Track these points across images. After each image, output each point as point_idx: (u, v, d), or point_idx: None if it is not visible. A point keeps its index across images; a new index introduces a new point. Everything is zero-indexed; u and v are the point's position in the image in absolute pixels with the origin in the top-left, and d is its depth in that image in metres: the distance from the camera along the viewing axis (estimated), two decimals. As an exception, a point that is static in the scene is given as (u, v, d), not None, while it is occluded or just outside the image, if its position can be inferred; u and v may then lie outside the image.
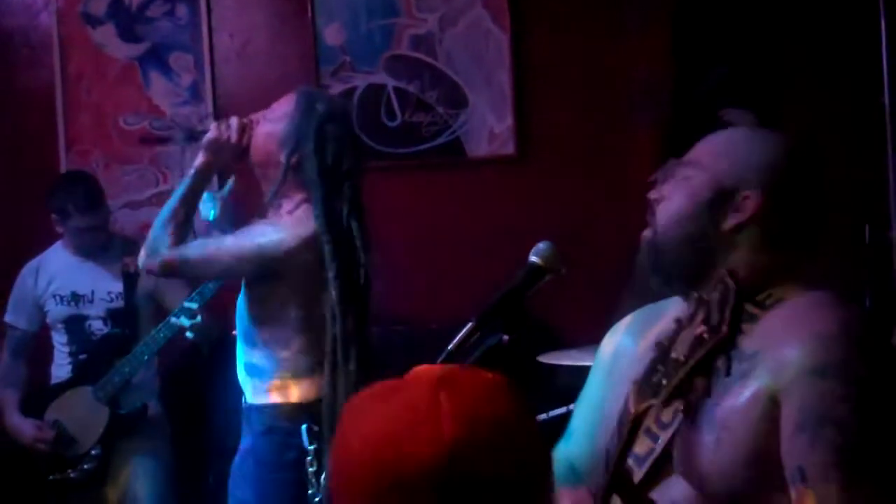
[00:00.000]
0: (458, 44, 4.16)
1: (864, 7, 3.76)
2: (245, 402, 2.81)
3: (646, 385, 1.29)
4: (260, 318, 2.74)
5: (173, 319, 3.40)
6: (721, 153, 1.50)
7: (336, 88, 4.17)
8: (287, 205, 2.71)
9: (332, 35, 4.22)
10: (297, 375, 2.73)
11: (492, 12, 4.12)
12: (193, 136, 2.86)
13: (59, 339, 3.76)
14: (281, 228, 2.67)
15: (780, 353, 1.37)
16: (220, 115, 4.27)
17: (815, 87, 3.82)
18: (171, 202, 2.77)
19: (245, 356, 2.78)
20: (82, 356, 3.71)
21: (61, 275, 3.76)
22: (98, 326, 3.71)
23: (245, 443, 2.78)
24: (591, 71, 4.06)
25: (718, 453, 1.37)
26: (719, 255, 1.46)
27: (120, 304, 3.69)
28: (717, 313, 1.24)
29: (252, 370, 2.76)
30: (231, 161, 2.83)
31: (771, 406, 1.34)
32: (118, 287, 3.69)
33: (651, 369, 1.29)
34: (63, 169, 4.36)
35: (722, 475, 1.36)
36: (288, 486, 2.63)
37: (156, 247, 2.71)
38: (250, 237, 2.68)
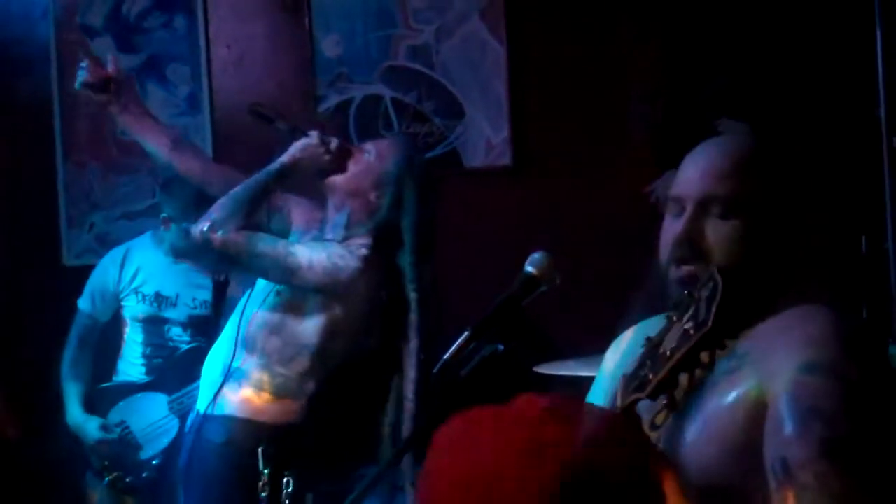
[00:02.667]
0: (455, 55, 4.17)
1: (859, 19, 3.77)
2: (199, 411, 2.77)
3: (633, 379, 1.29)
4: (278, 327, 2.72)
5: None
6: (754, 174, 1.50)
7: (333, 100, 4.18)
8: (356, 241, 2.73)
9: (329, 46, 4.23)
10: (279, 395, 2.72)
11: (489, 24, 4.13)
12: (296, 131, 2.84)
13: (134, 337, 3.69)
14: (357, 258, 2.68)
15: (770, 354, 1.38)
16: (217, 126, 4.28)
17: (810, 98, 3.82)
18: (250, 185, 2.72)
19: (231, 359, 2.74)
20: (157, 360, 3.63)
21: (148, 272, 3.69)
22: (177, 332, 3.65)
23: (191, 451, 2.76)
24: (587, 82, 4.07)
25: (702, 447, 1.37)
26: (771, 279, 1.50)
27: (203, 311, 3.63)
28: (704, 309, 1.25)
29: (234, 375, 2.73)
30: (314, 174, 2.81)
31: (757, 405, 1.35)
32: (203, 294, 3.63)
33: (640, 364, 1.30)
34: (60, 179, 4.37)
35: (705, 469, 1.36)
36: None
37: (224, 222, 2.64)
38: (325, 252, 2.67)
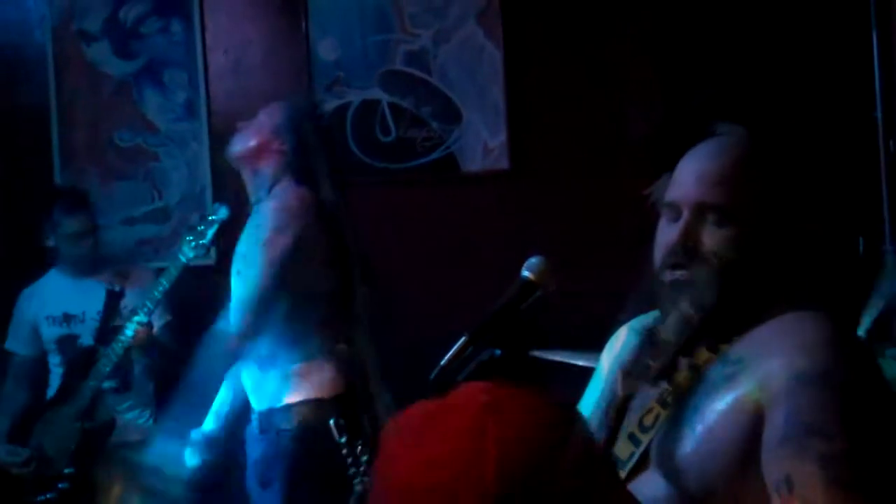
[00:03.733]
0: (452, 59, 4.17)
1: (856, 23, 3.77)
2: (257, 409, 2.87)
3: (633, 369, 1.29)
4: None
5: (125, 331, 3.43)
6: (749, 182, 1.50)
7: (331, 104, 4.18)
8: (285, 189, 2.90)
9: (326, 51, 4.23)
10: (312, 358, 2.83)
11: (486, 28, 4.14)
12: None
13: (54, 362, 3.77)
14: (294, 215, 2.82)
15: (765, 362, 1.38)
16: (214, 131, 4.28)
17: (808, 101, 3.82)
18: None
19: (255, 350, 2.84)
20: (66, 376, 3.70)
21: (53, 296, 3.78)
22: (88, 345, 3.70)
23: (265, 450, 2.84)
24: (584, 86, 4.07)
25: (698, 452, 1.37)
26: (765, 284, 1.49)
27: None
28: (706, 293, 1.24)
29: (264, 362, 2.85)
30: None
31: (753, 412, 1.35)
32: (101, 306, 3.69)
33: (639, 353, 1.30)
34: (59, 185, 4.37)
35: (700, 472, 1.36)
36: (323, 485, 2.70)
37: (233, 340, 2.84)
38: (273, 244, 2.79)
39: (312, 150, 2.96)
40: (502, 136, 4.13)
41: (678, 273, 1.46)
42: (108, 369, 3.54)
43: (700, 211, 1.49)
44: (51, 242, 3.79)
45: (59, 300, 3.76)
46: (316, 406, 2.79)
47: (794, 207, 1.52)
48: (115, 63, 4.36)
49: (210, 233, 3.30)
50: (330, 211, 2.90)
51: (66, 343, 3.74)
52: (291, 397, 2.84)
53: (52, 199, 3.81)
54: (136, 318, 3.39)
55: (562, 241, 3.85)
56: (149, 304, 3.40)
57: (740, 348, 1.43)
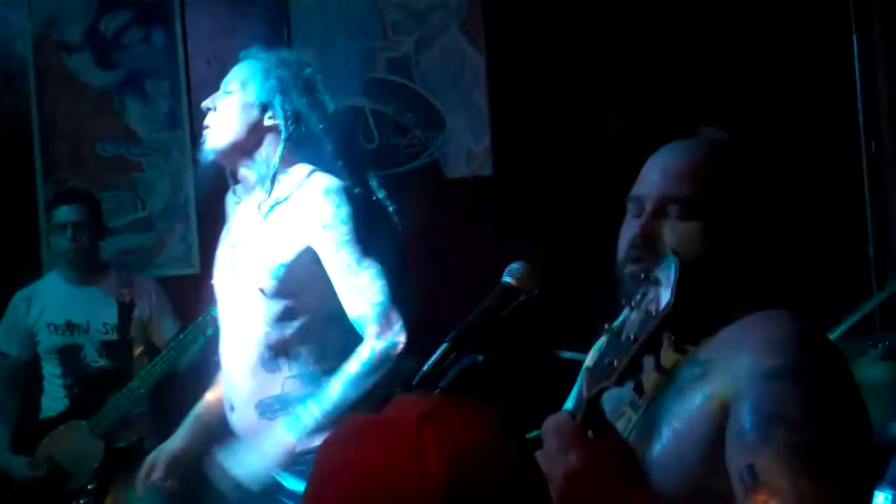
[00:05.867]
0: (435, 66, 4.17)
1: (836, 26, 3.79)
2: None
3: (597, 369, 1.29)
4: (282, 314, 2.39)
5: (169, 355, 3.41)
6: (707, 182, 1.48)
7: (313, 112, 4.17)
8: (295, 177, 2.42)
9: (308, 59, 4.22)
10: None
11: (468, 34, 4.14)
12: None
13: (52, 371, 3.71)
14: (326, 180, 2.38)
15: (733, 361, 1.38)
16: (197, 140, 4.27)
17: (791, 104, 3.84)
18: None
19: (265, 389, 2.40)
20: (77, 389, 3.66)
21: (55, 303, 3.72)
22: (93, 357, 3.67)
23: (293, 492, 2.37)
24: (567, 91, 4.08)
25: (668, 454, 1.37)
26: (732, 283, 1.48)
27: (114, 336, 3.66)
28: (665, 289, 1.25)
29: (270, 410, 2.41)
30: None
31: (721, 411, 1.35)
32: (113, 318, 3.66)
33: (602, 353, 1.30)
34: (41, 197, 4.36)
35: (670, 473, 1.36)
36: None
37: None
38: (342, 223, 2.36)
39: (311, 121, 2.44)
40: (486, 142, 4.13)
41: (638, 267, 1.45)
42: (142, 392, 3.51)
43: (662, 204, 1.48)
44: (48, 242, 3.76)
45: (62, 307, 3.70)
46: None
47: (766, 207, 1.51)
48: (96, 73, 4.34)
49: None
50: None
51: (69, 353, 3.68)
52: (311, 443, 2.34)
53: (58, 197, 3.79)
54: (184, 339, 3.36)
55: (545, 246, 3.86)
56: (190, 334, 3.36)
57: (709, 349, 1.43)
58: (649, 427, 1.39)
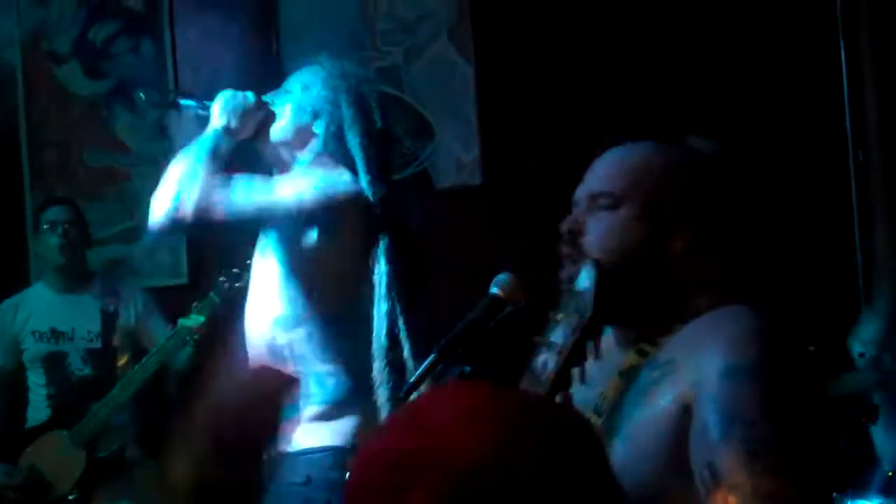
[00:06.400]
0: (424, 76, 4.18)
1: (824, 34, 3.80)
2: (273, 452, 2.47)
3: (534, 380, 1.29)
4: (290, 319, 2.42)
5: (148, 362, 3.41)
6: (642, 176, 1.48)
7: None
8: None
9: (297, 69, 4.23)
10: (339, 404, 2.40)
11: (457, 44, 4.14)
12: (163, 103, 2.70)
13: (37, 380, 3.71)
14: (340, 173, 2.42)
15: (694, 360, 1.37)
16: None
17: (778, 113, 3.85)
18: (194, 158, 2.43)
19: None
20: (60, 398, 3.65)
21: (41, 310, 3.72)
22: (78, 365, 3.67)
23: (280, 492, 2.41)
24: (556, 100, 4.09)
25: (634, 460, 1.37)
26: (667, 280, 1.46)
27: (98, 344, 3.65)
28: (586, 299, 1.24)
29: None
30: (252, 138, 2.56)
31: (684, 411, 1.35)
32: (97, 326, 3.66)
33: (542, 365, 1.30)
34: (29, 206, 4.35)
35: (638, 481, 1.36)
36: None
37: (181, 195, 2.36)
38: (303, 179, 2.39)
39: (350, 136, 2.47)
40: (475, 152, 4.13)
41: (566, 267, 1.45)
42: (123, 400, 3.49)
43: (592, 200, 1.50)
44: (35, 249, 3.76)
45: (46, 315, 3.71)
46: (330, 455, 2.35)
47: (715, 206, 1.49)
48: (85, 83, 4.34)
49: (247, 276, 3.15)
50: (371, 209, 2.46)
51: (53, 361, 3.68)
52: (304, 443, 2.40)
53: (47, 203, 3.80)
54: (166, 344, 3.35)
55: (534, 257, 3.85)
56: (171, 342, 3.34)
57: (669, 349, 1.42)
58: (613, 431, 1.39)
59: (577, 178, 1.70)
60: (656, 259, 1.45)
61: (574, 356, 1.25)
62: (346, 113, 2.47)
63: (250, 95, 2.60)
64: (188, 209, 2.35)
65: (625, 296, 1.42)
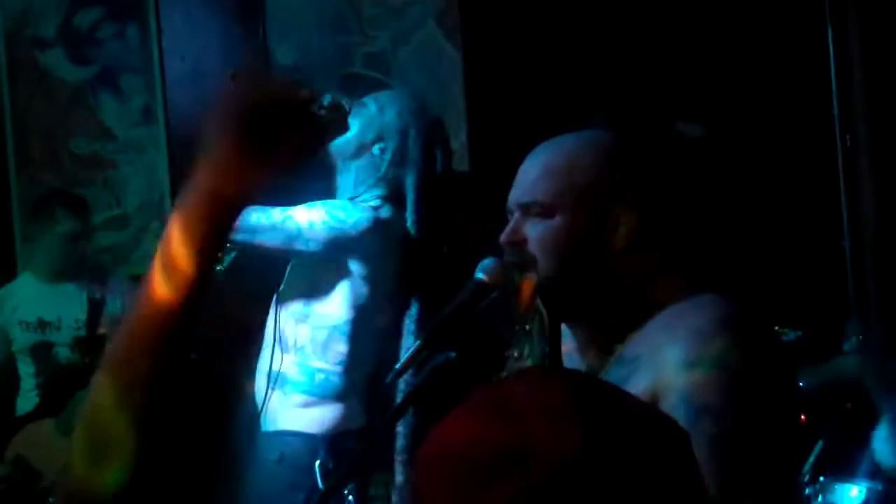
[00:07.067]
0: (412, 61, 4.16)
1: (811, 17, 3.80)
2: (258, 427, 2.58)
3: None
4: (303, 314, 2.55)
5: None
6: (567, 178, 1.48)
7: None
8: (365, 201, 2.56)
9: (284, 55, 4.21)
10: (326, 397, 2.52)
11: (445, 30, 4.13)
12: None
13: (26, 369, 3.70)
14: (364, 210, 2.51)
15: (659, 353, 1.37)
16: (173, 137, 4.25)
17: (765, 98, 3.85)
18: None
19: (270, 365, 2.56)
20: (47, 387, 3.63)
21: (27, 301, 3.71)
22: (65, 354, 3.65)
23: (256, 468, 2.57)
24: (544, 87, 4.08)
25: None
26: (615, 275, 1.46)
27: (84, 332, 3.64)
28: (539, 343, 1.28)
29: (278, 382, 2.55)
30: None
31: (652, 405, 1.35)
32: (85, 315, 3.64)
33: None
34: (14, 194, 4.32)
35: None
36: None
37: None
38: (325, 208, 2.49)
39: (409, 162, 2.57)
40: (463, 138, 4.12)
41: (515, 279, 1.44)
42: None
43: (525, 209, 1.50)
44: (31, 242, 3.74)
45: (33, 305, 3.69)
46: (305, 441, 2.48)
47: (654, 193, 1.48)
48: (70, 69, 4.31)
49: (227, 259, 3.13)
50: (408, 237, 2.56)
51: (41, 350, 3.67)
52: (283, 425, 2.54)
53: (51, 200, 3.75)
54: None
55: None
56: None
57: (636, 344, 1.42)
58: None
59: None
60: (600, 256, 1.45)
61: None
62: (412, 149, 2.55)
63: (325, 100, 2.62)
64: None
65: (573, 300, 1.42)
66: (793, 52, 3.85)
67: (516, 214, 1.51)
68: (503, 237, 1.50)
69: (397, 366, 1.37)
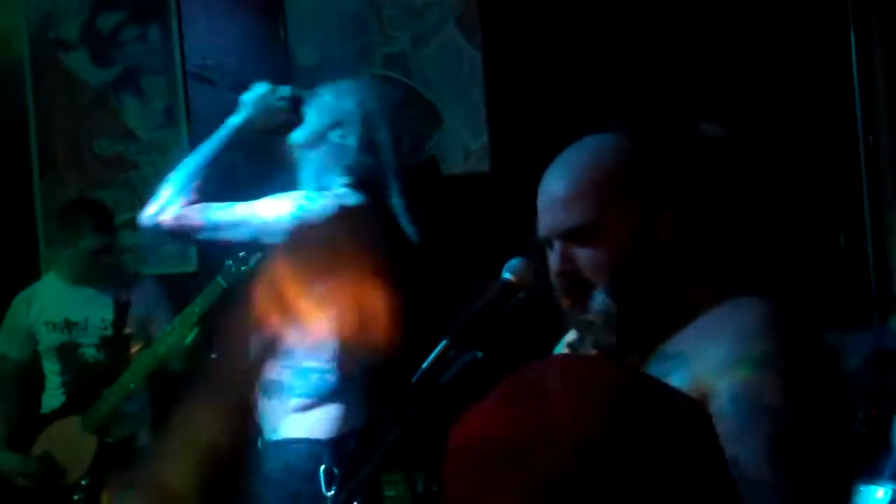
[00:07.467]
0: (432, 62, 4.17)
1: (834, 19, 3.79)
2: (261, 439, 2.52)
3: None
4: None
5: (156, 348, 3.41)
6: (598, 192, 1.47)
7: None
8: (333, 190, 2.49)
9: (305, 56, 4.23)
10: (322, 399, 2.47)
11: (464, 30, 4.13)
12: (240, 88, 2.69)
13: (52, 368, 3.72)
14: (332, 197, 2.45)
15: (704, 352, 1.36)
16: (195, 138, 4.26)
17: (788, 99, 3.84)
18: (198, 157, 2.56)
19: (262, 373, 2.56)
20: (74, 385, 3.66)
21: (54, 302, 3.73)
22: (92, 354, 3.67)
23: (259, 478, 2.47)
24: (564, 87, 4.07)
25: None
26: (665, 274, 1.45)
27: (110, 333, 3.66)
28: (602, 331, 1.28)
29: (271, 389, 2.50)
30: (271, 132, 2.61)
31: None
32: (111, 315, 3.66)
33: None
34: (38, 195, 4.35)
35: None
36: None
37: (171, 200, 2.47)
38: (289, 198, 2.43)
39: (381, 149, 2.50)
40: (483, 139, 4.13)
41: (570, 301, 1.45)
42: (132, 386, 3.50)
43: (565, 237, 1.48)
44: (55, 248, 3.76)
45: (60, 306, 3.71)
46: (309, 447, 2.42)
47: (694, 197, 1.48)
48: (93, 71, 4.33)
49: (253, 260, 3.13)
50: (387, 224, 2.49)
51: (67, 350, 3.69)
52: (285, 433, 2.48)
53: (78, 210, 3.75)
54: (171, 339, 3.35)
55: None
56: (177, 326, 3.35)
57: (678, 342, 1.42)
58: None
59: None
60: (651, 258, 1.44)
61: None
62: (382, 136, 2.49)
63: (285, 91, 2.60)
64: (169, 216, 2.46)
65: (641, 315, 1.42)
66: (815, 53, 3.83)
67: (557, 244, 1.49)
68: (555, 269, 1.47)
69: (424, 365, 1.37)
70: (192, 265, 4.25)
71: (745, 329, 1.36)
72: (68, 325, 3.69)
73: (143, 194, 4.32)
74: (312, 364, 2.47)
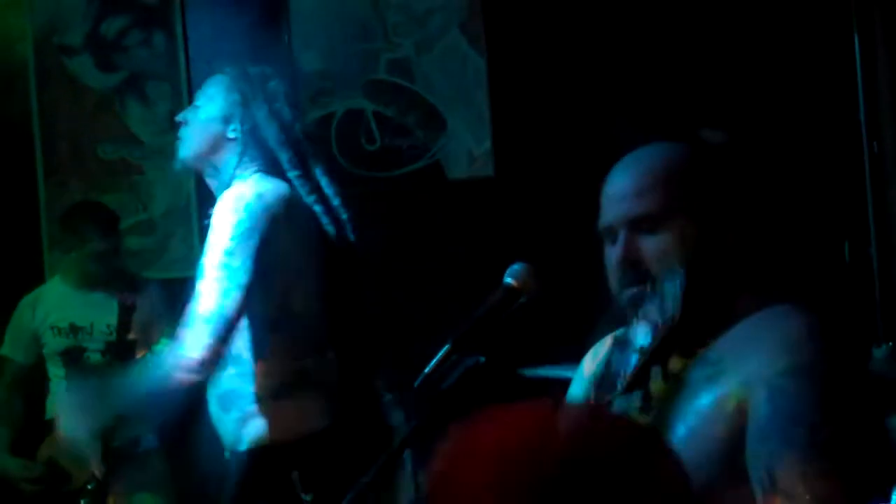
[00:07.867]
0: (436, 67, 4.17)
1: (838, 26, 3.79)
2: (227, 451, 2.50)
3: (604, 379, 1.30)
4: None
5: (154, 354, 3.41)
6: (671, 184, 1.49)
7: (315, 114, 4.18)
8: (244, 182, 2.46)
9: (309, 61, 4.23)
10: (281, 397, 2.43)
11: (468, 36, 4.14)
12: None
13: (56, 371, 3.72)
14: (248, 187, 2.40)
15: (747, 360, 1.37)
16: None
17: (792, 104, 3.84)
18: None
19: (215, 386, 2.47)
20: None
21: (59, 306, 3.72)
22: (97, 359, 3.67)
23: (228, 493, 2.46)
24: (568, 92, 4.08)
25: (683, 454, 1.37)
26: (722, 275, 1.48)
27: (114, 338, 3.65)
28: (670, 302, 1.26)
29: (225, 402, 2.47)
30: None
31: (737, 411, 1.35)
32: (115, 320, 3.65)
33: (608, 363, 1.30)
34: (42, 199, 4.36)
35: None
36: None
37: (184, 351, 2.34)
38: (229, 210, 2.37)
39: (268, 133, 2.48)
40: (487, 144, 4.13)
41: (634, 290, 1.46)
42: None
43: (633, 225, 1.50)
44: (59, 252, 3.76)
45: (65, 310, 3.71)
46: (278, 453, 2.38)
47: (742, 202, 1.50)
48: (97, 76, 4.34)
49: None
50: (305, 207, 2.47)
51: (73, 355, 3.69)
52: (250, 442, 2.43)
53: (82, 214, 3.75)
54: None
55: (547, 248, 3.85)
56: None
57: (719, 348, 1.42)
58: (664, 430, 1.39)
59: (589, 170, 1.70)
60: (715, 258, 1.47)
61: (657, 356, 1.25)
62: (259, 113, 2.50)
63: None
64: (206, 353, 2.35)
65: (706, 297, 1.43)
66: (820, 58, 3.83)
67: (623, 232, 1.51)
68: (620, 255, 1.49)
69: (426, 369, 1.37)
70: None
71: (787, 338, 1.37)
72: (74, 329, 3.69)
73: (147, 199, 4.36)
74: (269, 361, 2.44)
